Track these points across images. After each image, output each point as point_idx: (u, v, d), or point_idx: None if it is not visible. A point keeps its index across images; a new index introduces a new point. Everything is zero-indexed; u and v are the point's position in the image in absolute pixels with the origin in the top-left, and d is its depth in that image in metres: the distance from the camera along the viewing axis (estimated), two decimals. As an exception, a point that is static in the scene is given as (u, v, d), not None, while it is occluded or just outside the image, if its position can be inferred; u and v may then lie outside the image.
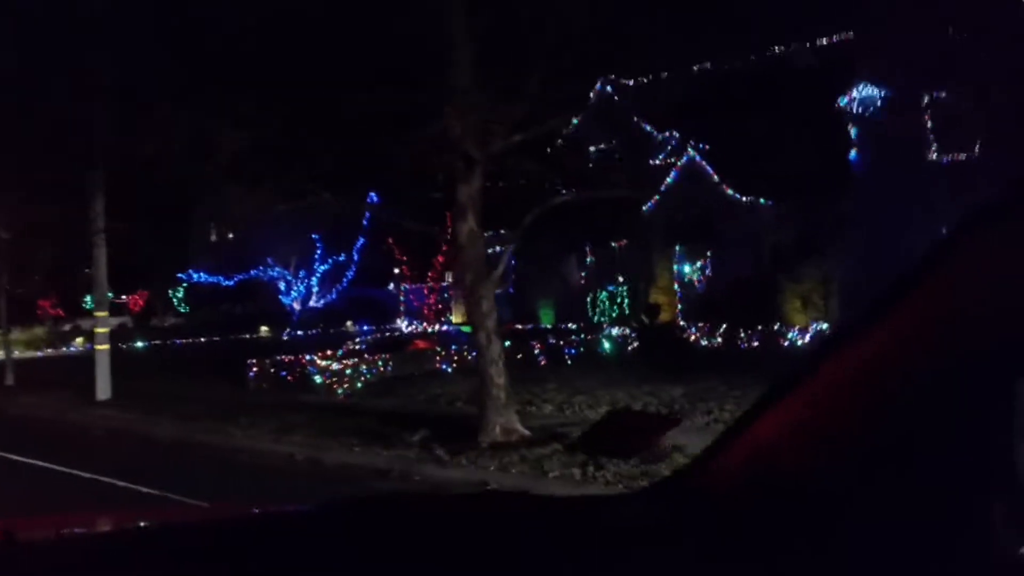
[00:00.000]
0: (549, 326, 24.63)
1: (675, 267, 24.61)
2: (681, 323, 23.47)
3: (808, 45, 24.18)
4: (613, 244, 26.88)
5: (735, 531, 1.16)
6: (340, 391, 14.99)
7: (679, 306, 24.44)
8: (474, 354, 16.67)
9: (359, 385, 15.26)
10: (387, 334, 23.64)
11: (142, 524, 2.03)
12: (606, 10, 9.77)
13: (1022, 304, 0.97)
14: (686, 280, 24.61)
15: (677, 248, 24.64)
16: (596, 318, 24.45)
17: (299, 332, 32.34)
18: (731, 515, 1.18)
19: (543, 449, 9.25)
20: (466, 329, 19.46)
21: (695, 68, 25.81)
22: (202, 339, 30.15)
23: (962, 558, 1.00)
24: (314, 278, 34.48)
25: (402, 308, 35.56)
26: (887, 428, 1.06)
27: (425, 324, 29.71)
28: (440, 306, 33.10)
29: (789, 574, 1.10)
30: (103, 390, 15.51)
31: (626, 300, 24.69)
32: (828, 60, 23.13)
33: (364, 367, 15.58)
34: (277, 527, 1.66)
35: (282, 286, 34.30)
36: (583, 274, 28.36)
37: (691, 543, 1.20)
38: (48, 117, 15.87)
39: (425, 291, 31.93)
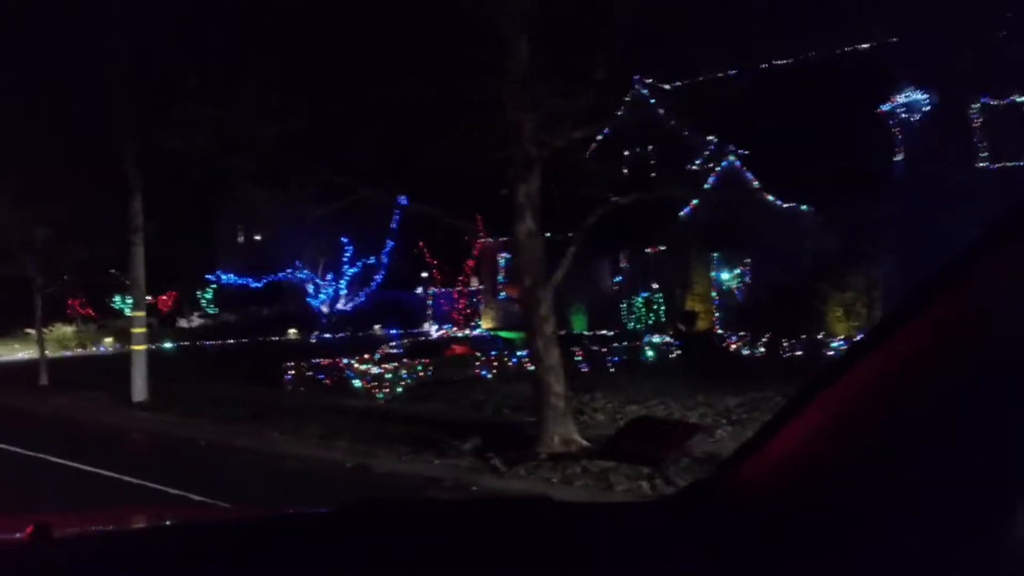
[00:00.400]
0: (583, 332, 24.21)
1: (713, 274, 24.15)
2: (719, 331, 23.03)
3: (848, 48, 23.69)
4: (647, 250, 26.46)
5: (755, 539, 1.18)
6: (380, 395, 14.68)
7: (716, 314, 24.00)
8: (514, 360, 16.43)
9: (399, 390, 14.94)
10: (421, 338, 23.33)
11: (161, 522, 2.07)
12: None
13: None
14: (724, 288, 24.14)
15: (715, 255, 24.19)
16: (632, 325, 24.01)
17: (327, 335, 32.12)
18: (751, 523, 1.19)
19: (606, 461, 8.86)
20: (504, 335, 19.14)
21: (733, 72, 25.41)
22: (230, 341, 29.97)
23: (982, 564, 1.00)
24: (343, 281, 34.25)
25: (430, 312, 35.29)
26: (909, 434, 1.07)
27: (455, 328, 29.39)
28: (469, 311, 32.80)
29: None
30: (139, 391, 15.26)
31: (662, 307, 24.24)
32: (871, 63, 22.64)
33: (404, 372, 15.24)
34: (295, 528, 1.67)
35: (310, 288, 34.08)
36: (616, 279, 27.96)
37: (710, 551, 1.21)
38: (81, 112, 15.72)
39: (455, 295, 31.61)
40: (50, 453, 10.94)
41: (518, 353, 16.46)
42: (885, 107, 21.92)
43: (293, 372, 16.15)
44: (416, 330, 34.03)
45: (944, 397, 1.04)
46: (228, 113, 10.38)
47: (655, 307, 24.25)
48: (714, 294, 24.29)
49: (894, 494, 1.07)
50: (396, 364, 15.62)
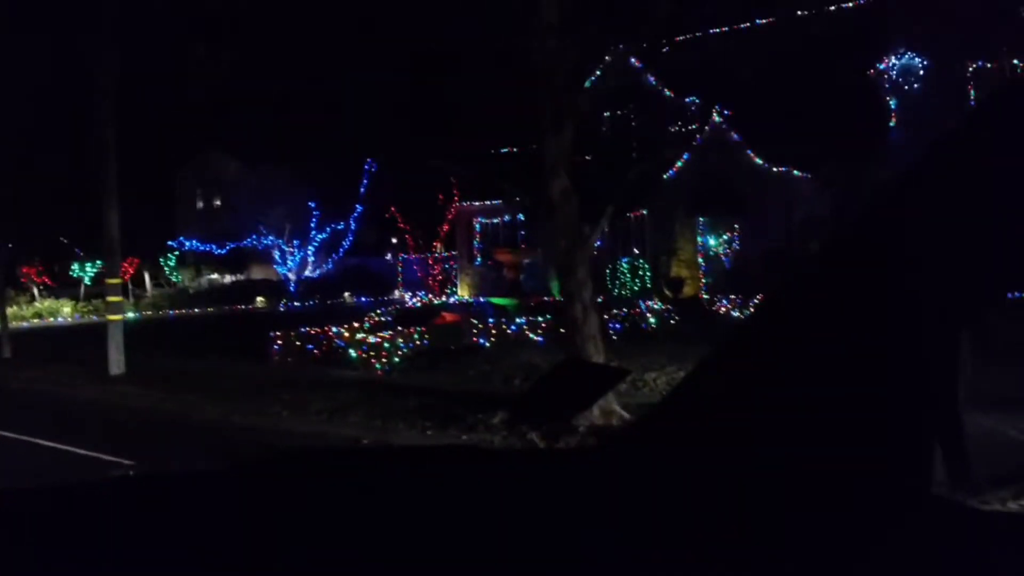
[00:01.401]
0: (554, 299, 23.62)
1: (699, 239, 23.70)
2: (704, 296, 22.64)
3: (839, 6, 23.20)
4: (628, 214, 25.89)
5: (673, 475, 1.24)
6: (378, 366, 13.91)
7: (703, 279, 23.59)
8: (513, 328, 15.77)
9: (396, 360, 14.20)
10: (408, 306, 22.50)
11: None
12: None
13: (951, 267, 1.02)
14: (711, 253, 23.73)
15: (701, 220, 23.73)
16: (617, 291, 23.49)
17: (296, 303, 31.13)
18: (669, 462, 1.26)
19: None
20: (497, 301, 18.46)
21: (717, 30, 24.79)
22: (195, 310, 28.80)
23: (902, 503, 1.05)
24: (310, 247, 33.19)
25: (400, 279, 34.45)
26: (823, 381, 1.11)
27: (430, 296, 28.60)
28: (441, 277, 32.01)
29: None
30: (116, 364, 14.28)
31: (648, 273, 23.75)
32: (863, 24, 22.19)
33: (400, 341, 14.49)
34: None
35: (276, 255, 32.96)
36: (597, 244, 27.38)
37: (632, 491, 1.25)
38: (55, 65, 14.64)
39: (430, 261, 30.77)
40: (34, 435, 10.01)
41: (517, 320, 15.80)
42: (880, 67, 21.53)
43: (281, 343, 15.27)
44: (386, 297, 33.19)
45: (858, 343, 1.08)
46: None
47: (640, 273, 23.73)
48: (700, 260, 23.87)
49: (799, 450, 1.11)
50: (391, 333, 14.85)
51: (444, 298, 27.97)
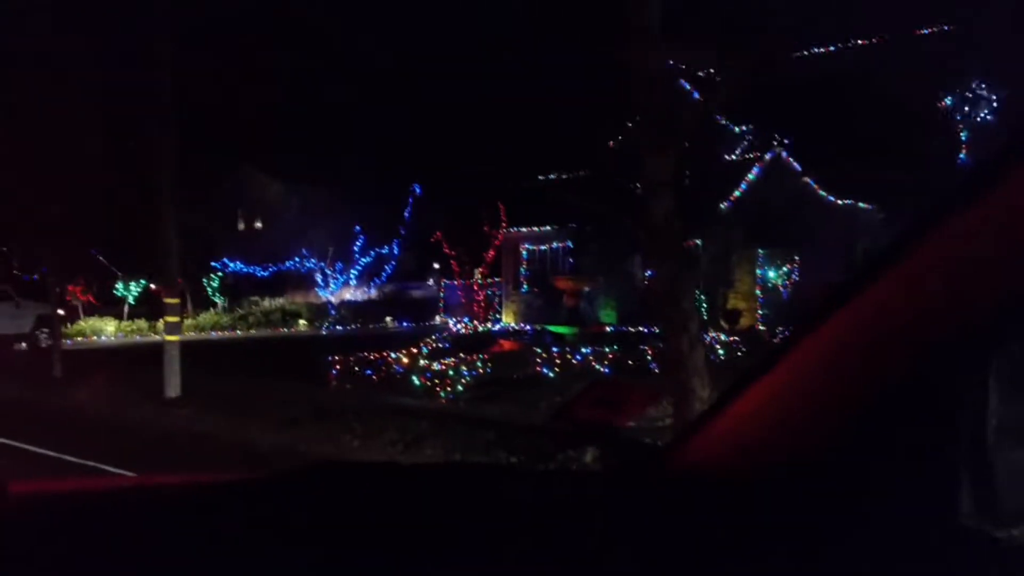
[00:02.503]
0: (628, 328, 23.03)
1: (758, 271, 23.06)
2: (761, 328, 21.99)
3: (909, 37, 22.64)
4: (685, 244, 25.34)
5: (695, 511, 1.22)
6: (443, 394, 13.39)
7: (759, 311, 22.94)
8: (578, 358, 15.21)
9: (460, 388, 13.66)
10: (456, 332, 22.01)
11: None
12: None
13: (986, 289, 1.01)
14: (769, 285, 23.07)
15: (760, 252, 23.10)
16: (672, 322, 22.83)
17: (338, 327, 30.77)
18: (693, 496, 1.24)
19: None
20: (555, 329, 17.93)
21: (780, 56, 24.29)
22: (238, 332, 28.49)
23: (928, 533, 1.02)
24: (353, 271, 32.86)
25: (441, 304, 34.03)
26: (855, 408, 1.09)
27: (476, 322, 28.10)
28: (485, 304, 31.54)
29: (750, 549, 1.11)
30: (173, 386, 13.86)
31: (703, 304, 23.09)
32: (934, 55, 21.63)
33: (464, 368, 13.97)
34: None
35: (319, 278, 32.66)
36: (648, 273, 26.84)
37: (652, 523, 1.23)
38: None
39: (475, 287, 30.31)
40: (89, 458, 9.55)
41: (582, 350, 15.23)
42: (948, 101, 20.93)
43: (340, 367, 14.81)
44: (428, 322, 32.79)
45: (889, 371, 1.07)
46: None
47: (697, 304, 23.07)
48: (758, 291, 23.22)
49: (839, 467, 1.09)
50: (453, 360, 14.34)
51: (488, 325, 27.46)
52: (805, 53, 21.24)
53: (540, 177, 28.49)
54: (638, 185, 23.85)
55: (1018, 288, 1.00)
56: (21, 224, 17.17)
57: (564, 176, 27.52)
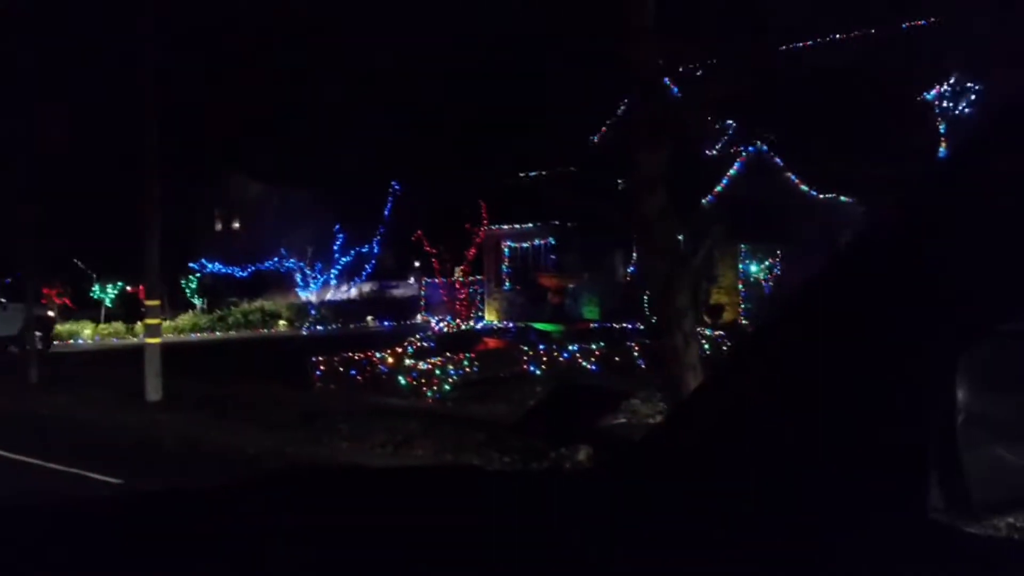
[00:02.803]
0: (612, 324, 22.98)
1: (740, 266, 23.08)
2: (743, 322, 22.03)
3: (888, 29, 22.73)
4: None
5: (674, 507, 1.21)
6: (429, 393, 13.25)
7: (741, 306, 22.97)
8: (565, 355, 15.12)
9: (447, 387, 13.53)
10: (438, 330, 21.84)
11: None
12: None
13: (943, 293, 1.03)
14: (751, 280, 23.11)
15: (742, 247, 23.12)
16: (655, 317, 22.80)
17: (319, 327, 30.51)
18: (670, 492, 1.23)
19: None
20: (540, 326, 17.83)
21: (757, 52, 24.29)
22: (217, 333, 28.15)
23: (898, 529, 1.02)
24: (333, 271, 32.59)
25: (423, 303, 33.83)
26: (824, 406, 1.09)
27: (458, 321, 27.94)
28: (467, 302, 31.37)
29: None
30: (154, 389, 13.64)
31: (687, 300, 23.09)
32: (914, 47, 21.71)
33: (451, 367, 13.84)
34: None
35: (298, 278, 32.35)
36: (630, 269, 26.81)
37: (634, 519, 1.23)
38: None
39: (457, 285, 30.15)
40: (79, 466, 9.33)
41: (570, 347, 15.14)
42: (929, 95, 21.01)
43: (324, 368, 14.63)
44: (409, 321, 32.59)
45: (841, 380, 1.08)
46: None
47: (681, 300, 23.06)
48: (740, 286, 23.26)
49: (798, 472, 1.09)
50: (440, 359, 14.20)
51: (471, 323, 27.31)
52: (788, 47, 21.26)
53: (522, 175, 28.39)
54: (620, 181, 23.79)
55: (984, 284, 1.02)
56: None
57: (545, 173, 27.44)
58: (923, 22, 22.10)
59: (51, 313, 24.97)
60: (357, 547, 1.26)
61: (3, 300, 22.74)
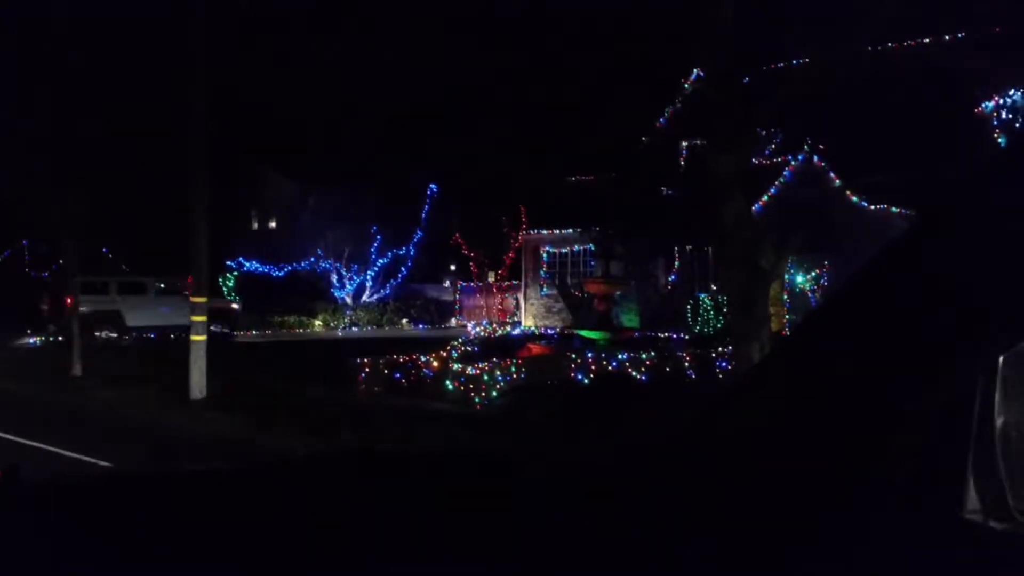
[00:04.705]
0: (654, 333, 22.62)
1: (786, 276, 22.62)
2: (787, 333, 21.55)
3: (944, 41, 22.23)
4: (708, 249, 24.94)
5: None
6: (477, 400, 12.97)
7: (787, 317, 22.51)
8: (614, 364, 14.78)
9: (494, 394, 13.24)
10: (488, 335, 21.57)
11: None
12: None
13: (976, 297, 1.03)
14: (797, 290, 22.65)
15: (791, 258, 22.66)
16: (699, 328, 22.43)
17: (354, 328, 30.37)
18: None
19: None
20: (585, 333, 17.50)
21: (812, 61, 23.82)
22: (253, 332, 28.09)
23: (932, 529, 1.02)
24: (370, 271, 32.45)
25: (457, 307, 33.63)
26: (859, 406, 1.09)
27: (495, 325, 27.69)
28: (503, 306, 31.13)
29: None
30: (199, 387, 13.47)
31: (731, 309, 22.68)
32: (970, 59, 21.18)
33: (499, 373, 13.55)
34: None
35: (334, 279, 32.25)
36: (671, 278, 26.44)
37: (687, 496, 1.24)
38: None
39: (494, 290, 29.89)
40: (115, 463, 9.15)
41: (619, 356, 14.81)
42: (986, 107, 20.46)
43: (368, 370, 14.41)
44: (444, 325, 32.39)
45: (878, 381, 1.08)
46: None
47: (725, 309, 22.63)
48: (785, 296, 22.80)
49: (831, 471, 1.08)
50: (487, 364, 13.92)
51: (508, 328, 27.03)
52: (837, 57, 20.81)
53: (571, 178, 28.09)
54: (663, 189, 23.33)
55: (1018, 288, 1.01)
56: (41, 220, 16.78)
57: (592, 177, 27.14)
58: (979, 32, 21.58)
59: (235, 306, 27.01)
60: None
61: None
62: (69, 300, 18.31)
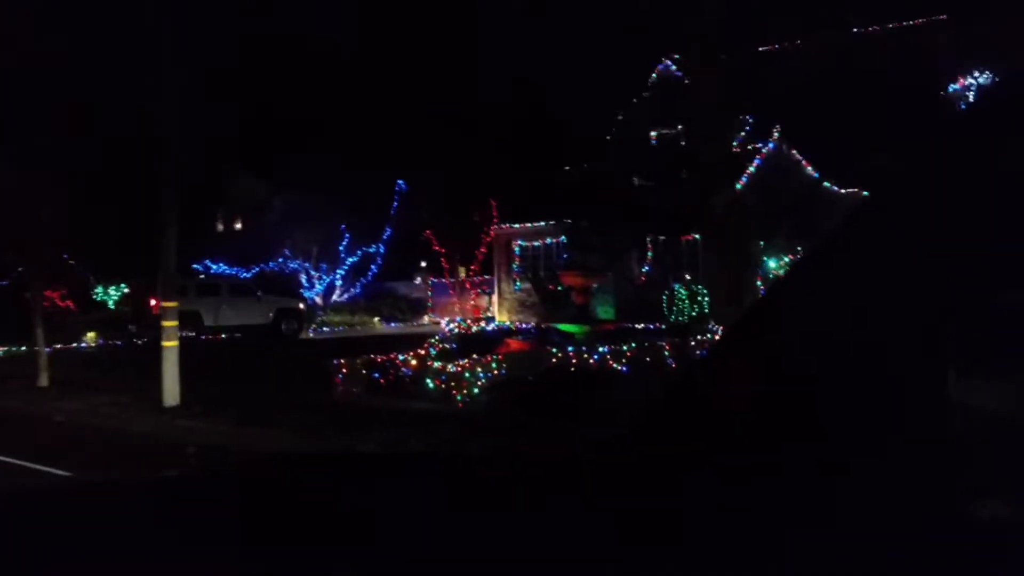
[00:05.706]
0: (612, 323, 22.56)
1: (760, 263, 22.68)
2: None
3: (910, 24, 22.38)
4: (683, 239, 24.95)
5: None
6: (459, 397, 12.77)
7: (761, 305, 22.58)
8: (596, 357, 14.65)
9: (475, 391, 13.05)
10: (465, 332, 21.35)
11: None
12: None
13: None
14: (771, 277, 22.69)
15: (761, 244, 22.71)
16: (674, 317, 22.37)
17: (324, 328, 29.99)
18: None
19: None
20: (563, 327, 17.36)
21: (779, 47, 23.87)
22: (222, 336, 27.60)
23: (918, 516, 1.01)
24: (339, 271, 32.06)
25: (430, 304, 33.36)
26: (845, 397, 1.09)
27: (469, 321, 27.47)
28: (476, 302, 30.91)
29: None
30: (171, 394, 13.10)
31: (706, 298, 22.65)
32: (936, 42, 21.35)
33: (480, 370, 13.36)
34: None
35: (303, 279, 31.82)
36: (645, 269, 26.41)
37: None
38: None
39: (467, 286, 29.66)
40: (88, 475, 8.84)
41: (599, 349, 14.68)
42: (953, 88, 20.64)
43: (345, 371, 14.14)
44: (416, 322, 32.11)
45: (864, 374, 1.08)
46: None
47: (699, 298, 22.61)
48: (759, 283, 22.84)
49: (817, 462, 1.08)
50: (468, 361, 13.72)
51: (482, 323, 26.83)
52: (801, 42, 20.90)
53: (536, 172, 27.94)
54: (635, 179, 23.21)
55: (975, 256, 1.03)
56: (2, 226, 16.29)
57: (567, 168, 27.03)
58: (943, 16, 21.76)
59: (302, 306, 28.28)
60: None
61: (260, 292, 27.18)
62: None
